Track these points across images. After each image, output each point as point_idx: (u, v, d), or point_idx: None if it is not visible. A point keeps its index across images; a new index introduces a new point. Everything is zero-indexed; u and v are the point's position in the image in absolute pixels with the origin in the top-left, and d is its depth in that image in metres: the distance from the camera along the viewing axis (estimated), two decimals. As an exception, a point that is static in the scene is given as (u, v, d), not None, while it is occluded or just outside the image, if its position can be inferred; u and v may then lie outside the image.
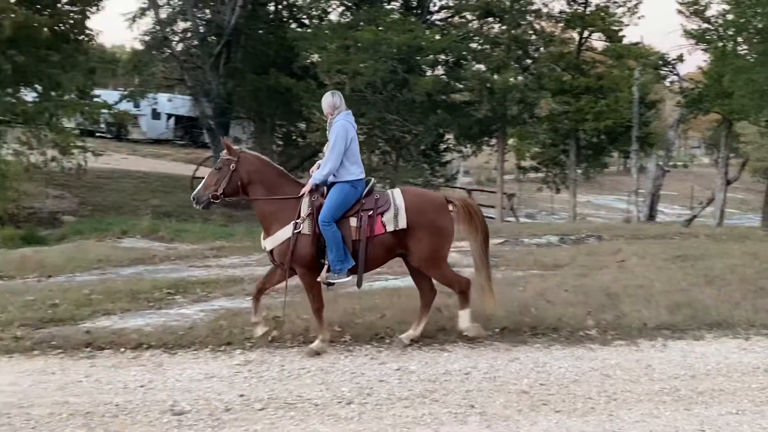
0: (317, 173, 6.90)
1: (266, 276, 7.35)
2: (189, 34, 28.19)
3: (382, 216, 6.80)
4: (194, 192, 7.05)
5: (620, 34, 26.49)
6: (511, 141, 25.98)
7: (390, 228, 6.79)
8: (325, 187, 6.90)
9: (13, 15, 16.87)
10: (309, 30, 26.52)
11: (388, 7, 25.03)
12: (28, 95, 20.52)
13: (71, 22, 19.80)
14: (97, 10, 20.38)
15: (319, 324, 6.92)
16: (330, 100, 7.08)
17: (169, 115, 42.69)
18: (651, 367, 6.67)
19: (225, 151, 7.01)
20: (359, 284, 6.99)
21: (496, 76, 22.02)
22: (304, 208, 6.77)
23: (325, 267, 6.78)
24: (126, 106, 26.58)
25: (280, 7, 29.43)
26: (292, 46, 24.60)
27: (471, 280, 7.18)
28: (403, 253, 6.98)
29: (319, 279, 6.84)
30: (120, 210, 21.78)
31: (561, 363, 6.67)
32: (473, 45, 23.70)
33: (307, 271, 6.85)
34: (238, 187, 6.97)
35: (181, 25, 28.50)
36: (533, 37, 24.84)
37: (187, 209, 23.55)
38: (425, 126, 23.41)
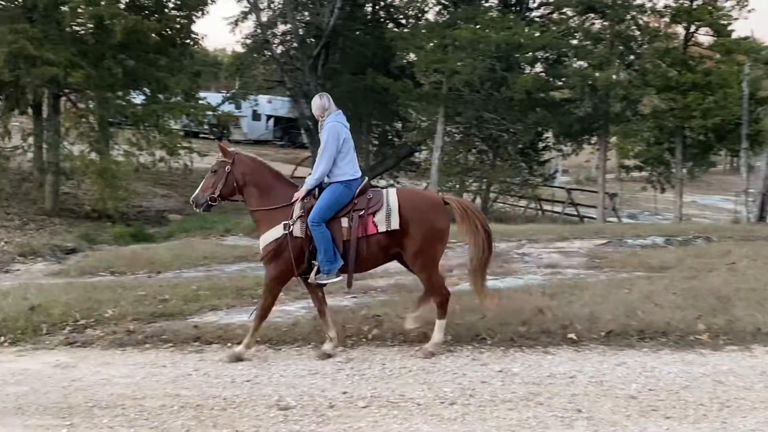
0: (309, 178, 6.91)
1: (312, 299, 7.24)
2: (289, 37, 28.70)
3: (373, 216, 6.74)
4: (193, 195, 7.18)
5: (729, 28, 25.45)
6: (613, 139, 25.28)
7: (382, 228, 6.72)
8: (317, 190, 6.91)
9: (123, 21, 17.57)
10: (406, 30, 26.58)
11: (487, 4, 24.83)
12: (137, 98, 21.38)
13: (177, 26, 20.50)
14: (202, 14, 21.05)
15: (256, 328, 6.89)
16: (319, 102, 7.09)
17: (269, 117, 43.64)
18: (766, 373, 6.38)
19: (220, 153, 7.09)
20: (349, 284, 6.97)
21: (598, 73, 21.49)
22: (296, 211, 6.77)
23: (315, 268, 6.75)
24: (228, 107, 27.29)
25: (377, 7, 29.62)
26: (389, 46, 24.72)
27: (450, 295, 7.05)
28: (398, 253, 6.89)
29: (309, 281, 6.83)
30: (222, 209, 22.35)
31: (670, 368, 6.45)
32: (574, 41, 23.22)
33: (278, 273, 6.83)
34: (234, 189, 7.03)
35: (281, 27, 29.05)
36: (637, 32, 24.14)
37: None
38: (524, 124, 23.11)
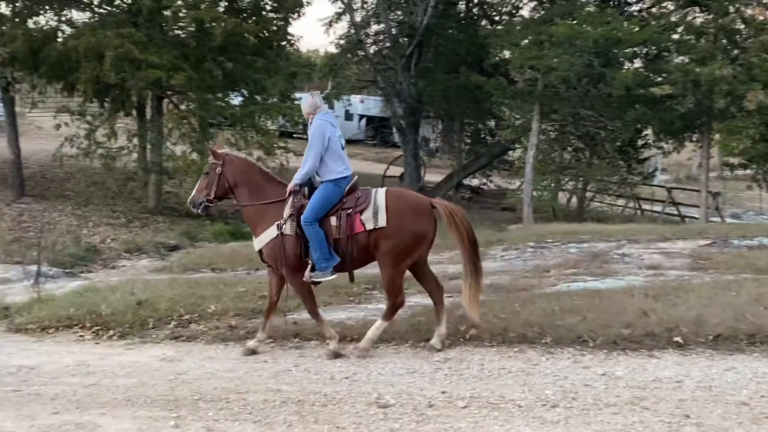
0: (296, 174, 7.01)
1: (270, 290, 7.44)
2: (382, 36, 28.84)
3: (361, 214, 6.82)
4: (189, 197, 7.42)
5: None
6: (716, 136, 24.29)
7: (369, 226, 6.78)
8: (306, 189, 7.02)
9: (223, 23, 18.03)
10: (500, 27, 26.30)
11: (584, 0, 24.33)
12: (235, 99, 21.91)
13: (274, 28, 20.88)
14: (298, 16, 21.37)
15: (320, 324, 7.09)
16: (311, 100, 7.18)
17: (361, 116, 43.98)
18: None
19: (212, 155, 7.31)
20: (351, 279, 7.22)
21: (700, 69, 20.69)
22: (287, 210, 6.91)
23: (309, 266, 6.86)
24: (321, 107, 27.63)
25: (471, 5, 29.44)
26: (483, 44, 24.49)
27: (431, 293, 7.23)
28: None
29: (304, 278, 6.92)
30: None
31: (784, 374, 6.16)
32: (675, 36, 22.44)
33: (292, 272, 6.98)
34: (226, 189, 7.20)
35: (374, 27, 29.24)
36: (742, 26, 23.14)
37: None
38: (622, 121, 22.47)
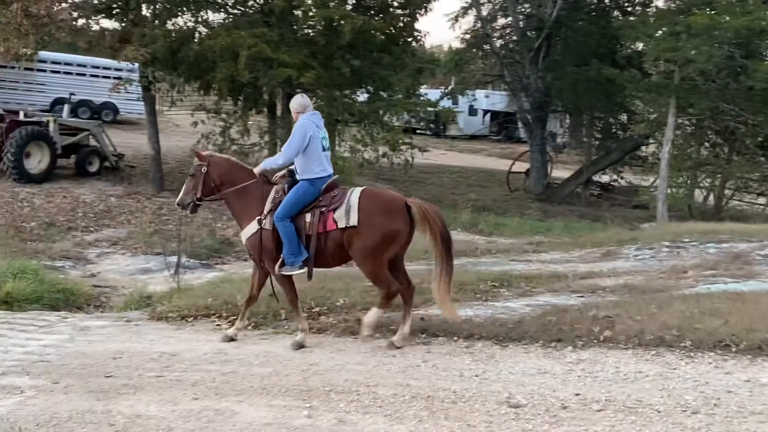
0: (270, 159, 7.67)
1: (251, 281, 7.76)
2: (509, 30, 28.58)
3: (333, 213, 7.08)
4: (177, 198, 7.68)
5: None
6: None
7: (341, 224, 7.04)
8: (286, 185, 7.33)
9: (351, 21, 18.31)
10: (633, 17, 25.51)
11: (724, -12, 23.21)
12: (360, 96, 22.23)
13: (401, 25, 21.03)
14: (425, 12, 21.42)
15: (298, 316, 7.41)
16: (301, 100, 7.59)
17: (485, 111, 43.69)
18: None
19: (196, 157, 7.58)
20: (309, 277, 7.40)
21: None
22: (267, 205, 7.24)
23: (280, 260, 7.18)
24: (445, 103, 27.63)
25: (602, -5, 28.71)
26: (615, 36, 23.83)
27: (400, 292, 7.34)
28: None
29: (275, 271, 7.28)
30: (440, 203, 22.54)
31: None
32: (826, 23, 21.08)
33: (273, 265, 7.27)
34: (212, 189, 7.48)
35: (501, 21, 29.02)
36: None
37: (504, 203, 24.03)
38: (765, 116, 21.31)
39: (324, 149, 7.40)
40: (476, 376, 6.27)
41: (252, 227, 7.32)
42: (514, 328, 7.36)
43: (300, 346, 7.21)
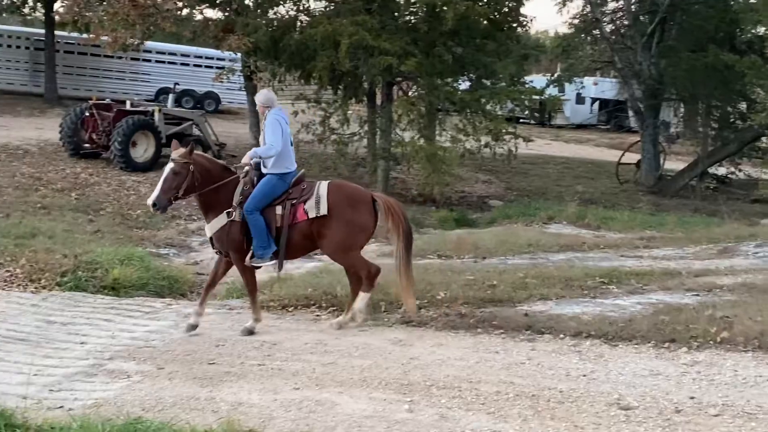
0: (260, 149, 7.67)
1: (214, 270, 8.07)
2: (620, 14, 27.79)
3: (304, 204, 7.53)
4: (153, 198, 7.45)
5: None
6: None
7: (312, 214, 7.49)
8: (255, 177, 7.64)
9: (455, 7, 18.19)
10: (755, 1, 24.37)
11: None
12: (462, 84, 22.08)
13: (506, 10, 20.77)
14: (531, -4, 21.14)
15: (254, 306, 7.73)
16: (268, 95, 7.96)
17: (594, 100, 42.68)
18: None
19: (179, 155, 7.45)
20: (280, 268, 7.86)
21: None
22: (236, 197, 7.50)
23: (250, 252, 7.53)
24: (551, 91, 27.15)
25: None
26: (735, 19, 22.84)
27: (381, 269, 7.85)
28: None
29: (245, 263, 7.63)
30: (544, 195, 22.37)
31: None
32: None
33: (239, 256, 7.62)
34: (194, 187, 7.53)
35: (612, 5, 28.24)
36: None
37: (613, 196, 23.46)
38: None
39: (290, 144, 7.95)
40: (584, 375, 6.20)
41: (220, 220, 7.56)
42: (625, 327, 7.25)
43: (250, 332, 7.56)
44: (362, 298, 7.76)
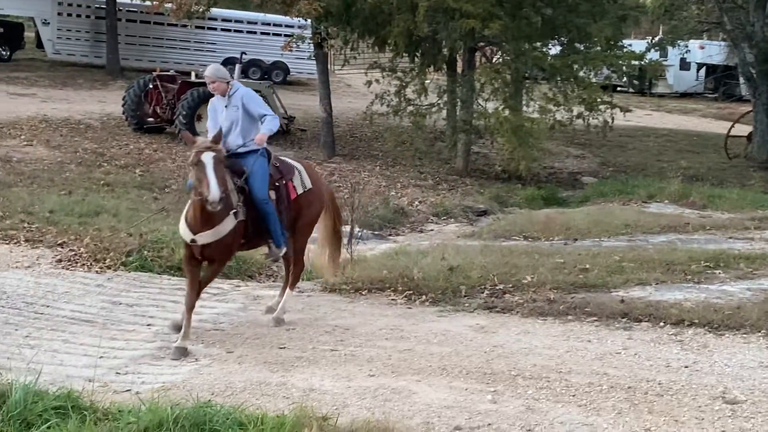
0: (272, 123, 7.40)
1: (194, 289, 7.10)
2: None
3: (292, 181, 7.56)
4: (217, 193, 6.48)
5: None
6: None
7: (300, 191, 7.62)
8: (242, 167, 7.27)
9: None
10: None
11: None
12: (552, 49, 21.80)
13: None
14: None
15: (188, 320, 6.92)
16: (224, 70, 7.59)
17: (700, 65, 41.58)
18: None
19: (214, 141, 6.83)
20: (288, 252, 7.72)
21: None
22: (234, 198, 6.99)
23: (270, 244, 7.48)
24: (652, 56, 26.58)
25: None
26: None
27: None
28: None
29: (269, 258, 8.00)
30: (643, 171, 22.02)
31: None
32: None
33: (227, 262, 7.83)
34: None
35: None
36: None
37: (721, 172, 22.90)
38: None
39: None
40: (686, 367, 6.17)
41: (227, 223, 6.90)
42: (732, 315, 7.19)
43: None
44: (290, 296, 7.91)
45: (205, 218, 6.78)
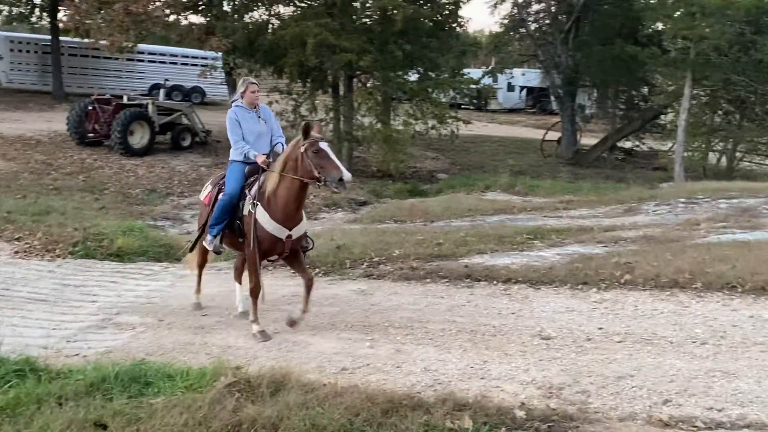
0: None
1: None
2: (542, 14, 27.97)
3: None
4: (347, 173, 5.62)
5: None
6: None
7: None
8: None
9: (403, 10, 18.13)
10: (654, 0, 24.65)
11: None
12: (412, 76, 22.07)
13: (446, 12, 20.72)
14: (468, 0, 21.13)
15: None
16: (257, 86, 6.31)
17: (522, 87, 42.87)
18: None
19: (314, 132, 5.73)
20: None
21: None
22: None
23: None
24: (486, 81, 27.27)
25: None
26: (637, 17, 23.11)
27: None
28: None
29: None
30: (482, 168, 22.52)
31: None
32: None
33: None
34: None
35: (535, 6, 28.39)
36: None
37: (538, 168, 23.71)
38: (773, 85, 20.58)
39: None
40: (513, 313, 6.33)
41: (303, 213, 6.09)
42: (546, 273, 7.37)
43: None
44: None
45: (297, 212, 5.87)
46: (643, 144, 27.78)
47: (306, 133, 5.68)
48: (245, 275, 6.49)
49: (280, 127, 6.63)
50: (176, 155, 19.91)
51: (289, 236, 5.88)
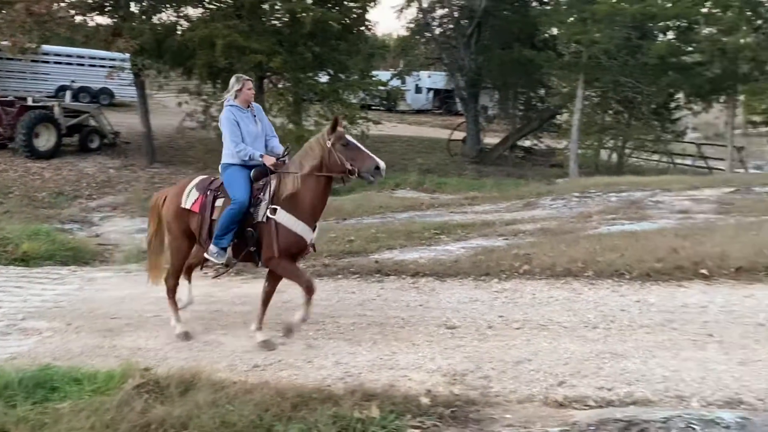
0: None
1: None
2: (446, 19, 28.42)
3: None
4: (382, 161, 5.34)
5: None
6: (741, 97, 23.11)
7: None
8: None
9: (312, 13, 18.04)
10: (549, 7, 25.54)
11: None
12: (322, 78, 21.98)
13: (354, 16, 20.72)
14: (374, 4, 21.10)
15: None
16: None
17: (429, 89, 43.46)
18: None
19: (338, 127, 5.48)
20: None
21: (727, 38, 19.67)
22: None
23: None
24: (395, 83, 27.49)
25: (523, -12, 28.58)
26: (534, 23, 23.85)
27: None
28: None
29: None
30: (393, 167, 22.49)
31: (798, 302, 5.96)
32: (704, 9, 21.33)
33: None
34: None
35: (440, 12, 28.80)
36: (766, -2, 21.79)
37: (445, 166, 24.11)
38: (657, 86, 21.64)
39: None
40: (420, 305, 6.41)
41: None
42: (452, 266, 7.49)
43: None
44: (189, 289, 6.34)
45: (323, 209, 5.60)
46: (541, 142, 28.73)
47: (334, 127, 5.43)
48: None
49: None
50: (84, 157, 19.09)
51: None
